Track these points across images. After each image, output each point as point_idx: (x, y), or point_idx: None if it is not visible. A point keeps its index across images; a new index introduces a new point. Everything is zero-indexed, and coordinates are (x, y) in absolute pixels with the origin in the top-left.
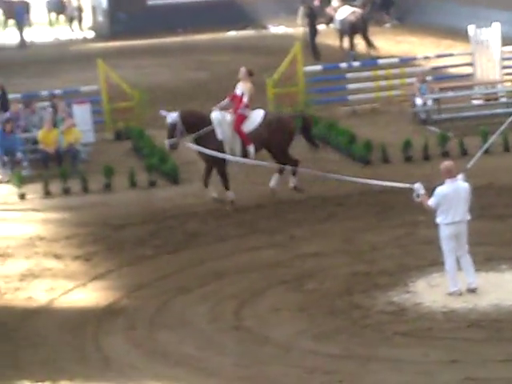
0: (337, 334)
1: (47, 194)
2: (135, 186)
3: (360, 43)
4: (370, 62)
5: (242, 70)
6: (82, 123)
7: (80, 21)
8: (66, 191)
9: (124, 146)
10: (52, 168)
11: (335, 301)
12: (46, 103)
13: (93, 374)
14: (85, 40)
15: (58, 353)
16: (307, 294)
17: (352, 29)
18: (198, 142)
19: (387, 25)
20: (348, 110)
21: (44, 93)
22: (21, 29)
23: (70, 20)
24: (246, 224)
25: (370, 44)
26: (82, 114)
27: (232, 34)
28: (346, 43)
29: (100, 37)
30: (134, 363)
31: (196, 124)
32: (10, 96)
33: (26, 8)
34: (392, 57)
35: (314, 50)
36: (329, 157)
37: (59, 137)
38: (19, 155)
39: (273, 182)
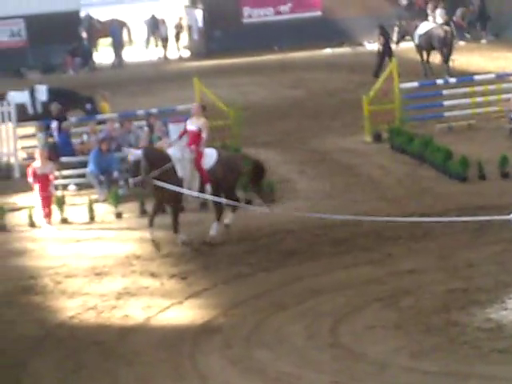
0: (433, 352)
1: (143, 212)
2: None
3: (437, 58)
4: (466, 78)
5: (195, 105)
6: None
7: (177, 40)
8: (162, 210)
9: None
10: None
11: (432, 318)
12: (143, 122)
13: None
14: (181, 59)
15: (154, 371)
16: (403, 311)
17: (441, 43)
18: (158, 179)
19: (483, 41)
20: (444, 127)
21: (140, 112)
22: (117, 48)
23: (166, 39)
24: (343, 241)
25: (448, 61)
26: (178, 132)
27: (328, 51)
28: (436, 58)
29: (196, 55)
30: (230, 381)
31: (158, 161)
32: (107, 116)
33: (121, 27)
34: (488, 73)
35: (378, 67)
36: (425, 174)
37: None
38: (116, 174)
39: (228, 220)
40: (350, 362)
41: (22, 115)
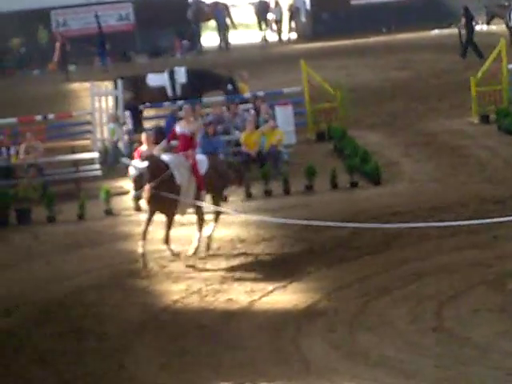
0: None
1: (249, 196)
2: (336, 187)
3: None
4: None
5: (187, 107)
6: (284, 125)
7: (290, 22)
8: (268, 193)
9: (325, 146)
10: (254, 170)
11: None
12: (249, 105)
13: (292, 377)
14: (288, 41)
15: (257, 355)
16: (509, 295)
17: None
18: (158, 188)
19: None
20: None
21: (247, 95)
22: (222, 31)
23: (279, 22)
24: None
25: None
26: (284, 115)
27: (435, 32)
28: None
29: (303, 38)
30: (333, 365)
31: (158, 170)
32: (215, 98)
33: (225, 10)
34: None
35: (475, 49)
36: None
37: (261, 139)
38: (222, 158)
39: (209, 232)
40: (454, 345)
41: (162, 97)
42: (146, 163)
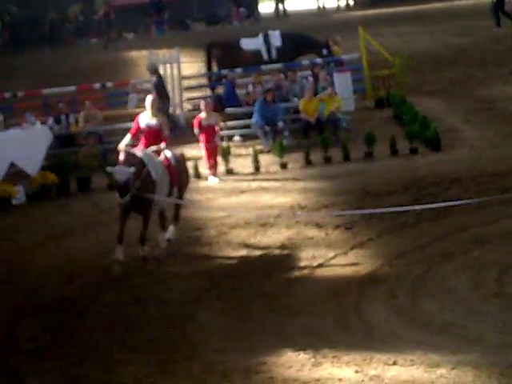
0: None
1: (308, 163)
2: (396, 153)
3: None
4: None
5: (150, 98)
6: (342, 91)
7: None
8: (327, 160)
9: (385, 113)
10: (313, 137)
11: None
12: (308, 72)
13: (355, 343)
14: (346, 8)
15: (319, 321)
16: None
17: None
18: (140, 189)
19: None
20: None
21: (305, 62)
22: None
23: None
24: (509, 190)
25: None
26: (342, 82)
27: None
28: None
29: (360, 4)
30: (395, 331)
31: (138, 170)
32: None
33: None
34: None
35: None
36: None
37: (320, 106)
38: (280, 125)
39: (169, 234)
40: None
41: (257, 61)
42: (132, 168)
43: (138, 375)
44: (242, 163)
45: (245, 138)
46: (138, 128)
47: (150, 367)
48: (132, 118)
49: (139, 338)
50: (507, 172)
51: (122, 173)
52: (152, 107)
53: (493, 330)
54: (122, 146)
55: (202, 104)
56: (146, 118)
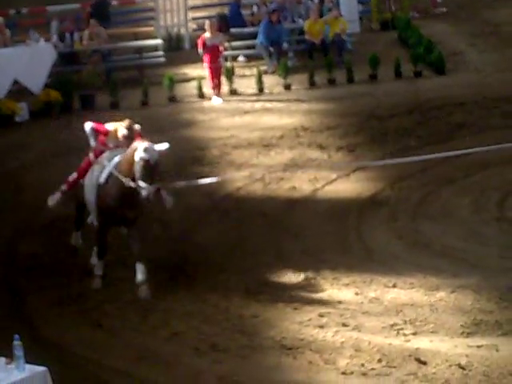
0: None
1: (312, 84)
2: (400, 76)
3: None
4: None
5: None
6: (348, 13)
7: None
8: (331, 82)
9: (390, 36)
10: (317, 58)
11: None
12: None
13: (355, 264)
14: None
15: (320, 243)
16: None
17: None
18: None
19: None
20: None
21: None
22: None
23: None
24: None
25: None
26: (348, 3)
27: None
28: None
29: None
30: (396, 253)
31: None
32: None
33: None
34: None
35: None
36: None
37: (325, 27)
38: (285, 46)
39: (75, 239)
40: None
41: None
42: (166, 144)
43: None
44: (246, 84)
45: (249, 58)
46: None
47: (151, 287)
48: (136, 36)
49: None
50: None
51: (153, 151)
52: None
53: (494, 253)
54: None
55: (207, 24)
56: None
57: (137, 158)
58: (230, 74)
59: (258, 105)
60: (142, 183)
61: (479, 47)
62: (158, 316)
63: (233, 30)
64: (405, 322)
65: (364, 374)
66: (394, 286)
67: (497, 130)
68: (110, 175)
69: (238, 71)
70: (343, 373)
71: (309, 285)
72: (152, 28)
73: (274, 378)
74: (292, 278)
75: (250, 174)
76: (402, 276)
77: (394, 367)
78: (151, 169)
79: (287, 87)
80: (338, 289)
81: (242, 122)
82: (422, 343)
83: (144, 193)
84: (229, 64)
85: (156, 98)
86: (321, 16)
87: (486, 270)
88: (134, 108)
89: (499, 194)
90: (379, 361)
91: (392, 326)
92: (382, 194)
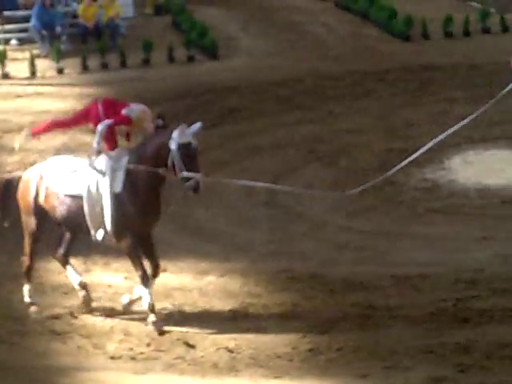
0: (370, 211)
1: (85, 68)
2: (173, 61)
3: None
4: None
5: None
6: None
7: None
8: (104, 66)
9: (164, 20)
10: (91, 42)
11: (369, 177)
12: None
13: None
14: None
15: None
16: (342, 171)
17: None
18: None
19: None
20: None
21: None
22: None
23: None
24: (285, 99)
25: None
26: None
27: None
28: None
29: None
30: (166, 238)
31: None
32: None
33: None
34: None
35: None
36: (368, 32)
37: (99, 11)
38: (58, 29)
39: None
40: (287, 220)
41: None
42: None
43: None
44: (18, 67)
45: (22, 42)
46: None
47: None
48: None
49: None
50: (283, 81)
51: (189, 134)
52: None
53: (263, 238)
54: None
55: None
56: None
57: (173, 146)
58: (2, 58)
59: (30, 89)
60: (187, 173)
61: (252, 32)
62: None
63: (6, 12)
64: (174, 307)
65: (133, 359)
66: (164, 270)
67: (268, 114)
68: (127, 178)
69: (10, 55)
70: (112, 357)
71: (80, 269)
72: None
73: (42, 364)
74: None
75: (21, 159)
76: (173, 260)
77: (163, 351)
78: (195, 154)
79: (60, 71)
80: (107, 273)
81: (15, 106)
82: (191, 327)
83: (192, 184)
84: (1, 47)
85: None
86: (94, 0)
87: (255, 254)
88: None
89: (271, 177)
90: (148, 345)
91: (161, 310)
92: None
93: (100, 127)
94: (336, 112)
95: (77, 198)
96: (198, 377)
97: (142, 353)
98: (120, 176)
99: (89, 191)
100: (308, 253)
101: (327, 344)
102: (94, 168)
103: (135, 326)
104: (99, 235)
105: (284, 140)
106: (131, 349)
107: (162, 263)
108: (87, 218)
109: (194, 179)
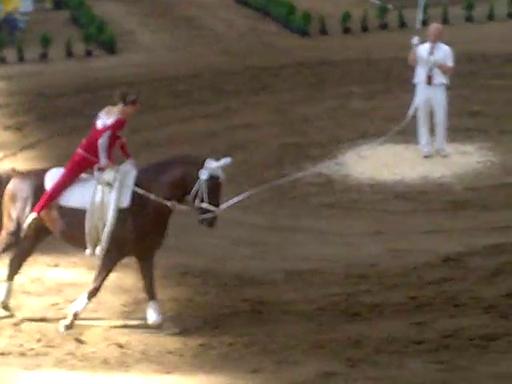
0: (264, 205)
1: None
2: (72, 55)
3: None
4: None
5: None
6: None
7: None
8: (2, 60)
9: (63, 15)
10: None
11: (264, 172)
12: None
13: None
14: None
15: None
16: (237, 166)
17: None
18: None
19: None
20: None
21: None
22: None
23: None
24: (181, 94)
25: None
26: None
27: None
28: None
29: None
30: None
31: None
32: None
33: None
34: None
35: None
36: (267, 28)
37: None
38: None
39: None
40: (180, 216)
41: None
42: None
43: None
44: None
45: None
46: None
47: None
48: None
49: None
50: (181, 76)
51: (220, 168)
52: None
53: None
54: None
55: None
56: None
57: (204, 176)
58: None
59: None
60: (208, 206)
61: (150, 27)
62: None
63: None
64: (65, 302)
65: (23, 354)
66: (56, 265)
67: (165, 109)
68: (135, 195)
69: None
70: (1, 353)
71: None
72: None
73: None
74: None
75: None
76: (66, 256)
77: (53, 347)
78: (220, 189)
79: None
80: None
81: None
82: (82, 323)
83: (209, 217)
84: None
85: None
86: None
87: None
88: None
89: None
90: (38, 340)
91: (53, 305)
92: None
93: (101, 140)
94: (233, 107)
95: (78, 211)
96: (88, 372)
97: (32, 349)
98: (128, 191)
99: (93, 204)
100: (202, 248)
101: (219, 339)
102: (102, 182)
103: (26, 322)
104: (97, 251)
105: (179, 135)
106: (21, 344)
107: (55, 258)
108: (86, 232)
109: (214, 213)
